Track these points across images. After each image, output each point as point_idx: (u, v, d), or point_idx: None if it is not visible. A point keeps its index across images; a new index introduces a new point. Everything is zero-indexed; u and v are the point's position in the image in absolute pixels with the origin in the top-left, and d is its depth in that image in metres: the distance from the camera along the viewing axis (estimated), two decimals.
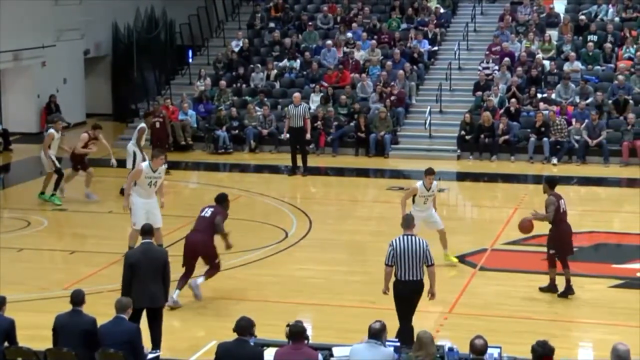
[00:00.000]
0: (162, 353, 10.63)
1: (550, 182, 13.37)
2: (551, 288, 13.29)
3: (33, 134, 27.24)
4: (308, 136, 21.85)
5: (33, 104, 27.57)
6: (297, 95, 22.37)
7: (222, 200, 13.27)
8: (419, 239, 10.61)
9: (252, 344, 8.91)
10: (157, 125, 21.72)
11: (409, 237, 10.60)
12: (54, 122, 19.65)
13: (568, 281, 13.21)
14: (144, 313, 10.52)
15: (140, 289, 10.41)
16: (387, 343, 8.96)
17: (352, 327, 11.05)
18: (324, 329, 11.71)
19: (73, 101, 28.71)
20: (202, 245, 12.90)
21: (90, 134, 19.12)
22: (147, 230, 10.97)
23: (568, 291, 13.19)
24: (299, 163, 21.66)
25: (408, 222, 10.84)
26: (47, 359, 9.28)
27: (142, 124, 19.50)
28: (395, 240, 10.58)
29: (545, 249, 13.41)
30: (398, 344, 9.30)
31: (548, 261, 13.27)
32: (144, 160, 18.52)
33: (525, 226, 13.33)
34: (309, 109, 23.18)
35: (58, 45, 27.60)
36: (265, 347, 9.28)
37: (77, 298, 9.54)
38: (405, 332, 10.32)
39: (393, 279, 10.64)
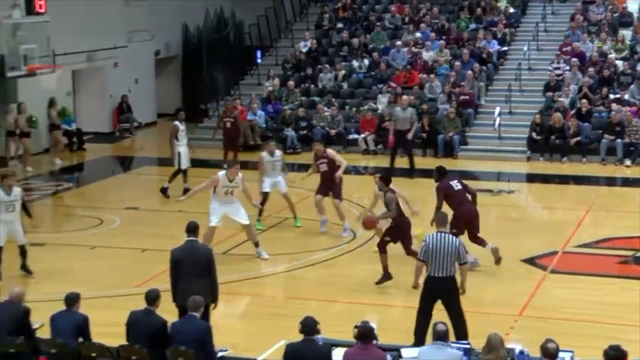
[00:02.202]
0: (230, 351, 10.73)
1: (386, 180, 14.01)
2: (386, 276, 13.57)
3: (106, 134, 27.70)
4: (409, 137, 21.77)
5: (106, 104, 28.01)
6: (405, 98, 22.68)
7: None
8: (452, 237, 10.80)
9: (320, 342, 8.95)
10: (228, 125, 22.02)
11: (442, 234, 10.76)
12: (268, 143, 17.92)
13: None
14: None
15: (184, 286, 10.45)
16: (456, 345, 8.94)
17: None
18: (391, 330, 11.67)
19: (144, 101, 29.11)
20: (476, 214, 14.14)
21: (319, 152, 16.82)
22: (192, 228, 10.98)
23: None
24: (396, 165, 21.72)
25: (442, 220, 11.06)
26: (120, 355, 9.43)
27: (176, 122, 19.61)
28: (429, 236, 10.78)
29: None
30: (468, 346, 9.25)
31: (380, 248, 13.59)
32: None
33: (369, 222, 13.98)
34: (417, 112, 23.22)
35: (130, 46, 28.01)
36: (333, 347, 9.30)
37: (149, 297, 9.67)
38: (421, 327, 10.55)
39: (425, 275, 10.82)
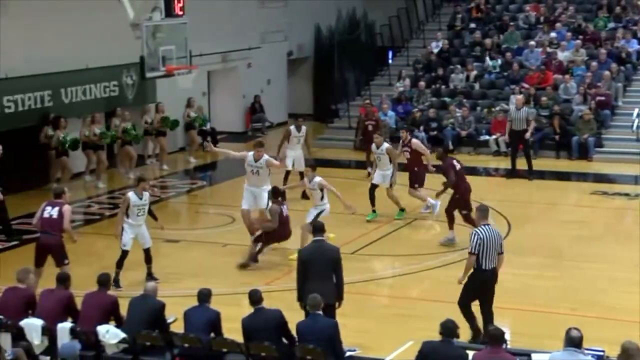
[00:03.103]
0: (359, 351, 10.77)
1: (275, 192, 14.84)
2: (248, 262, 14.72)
3: (238, 133, 28.18)
4: (527, 136, 21.33)
5: (239, 104, 28.50)
6: (519, 97, 22.25)
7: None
8: (496, 229, 11.16)
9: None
10: (370, 127, 22.03)
11: (488, 226, 11.02)
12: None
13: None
14: None
15: (312, 285, 10.51)
16: (589, 352, 8.73)
17: (550, 333, 10.79)
18: (520, 335, 11.50)
19: (276, 102, 29.47)
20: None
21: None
22: (319, 228, 11.09)
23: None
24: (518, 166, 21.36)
25: (484, 213, 11.23)
26: (250, 351, 9.60)
27: (291, 126, 19.88)
28: (480, 229, 10.94)
29: None
30: (602, 353, 9.03)
31: (255, 241, 14.82)
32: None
33: (255, 229, 15.05)
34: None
35: (263, 47, 28.43)
36: None
37: (255, 298, 9.85)
38: (469, 318, 11.01)
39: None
